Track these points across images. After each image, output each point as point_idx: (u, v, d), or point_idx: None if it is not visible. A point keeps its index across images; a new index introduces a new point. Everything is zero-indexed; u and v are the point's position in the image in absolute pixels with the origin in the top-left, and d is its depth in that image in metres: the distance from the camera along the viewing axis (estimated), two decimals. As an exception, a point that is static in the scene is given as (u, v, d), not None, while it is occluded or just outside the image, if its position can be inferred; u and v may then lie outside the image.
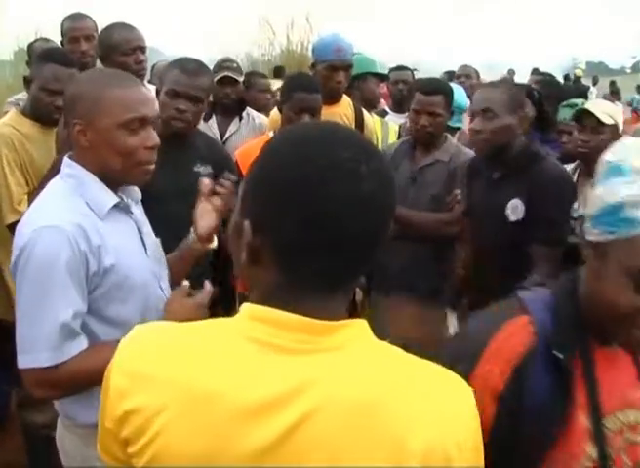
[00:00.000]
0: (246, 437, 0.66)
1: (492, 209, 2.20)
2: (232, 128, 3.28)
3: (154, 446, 0.68)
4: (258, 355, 0.69)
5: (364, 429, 0.66)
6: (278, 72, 6.31)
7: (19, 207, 2.13)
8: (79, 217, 1.31)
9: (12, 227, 2.12)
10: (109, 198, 1.38)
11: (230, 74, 3.28)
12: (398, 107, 3.91)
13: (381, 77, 3.71)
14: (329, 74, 2.78)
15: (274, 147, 0.73)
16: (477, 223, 2.33)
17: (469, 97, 4.03)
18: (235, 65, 3.47)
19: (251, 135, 3.25)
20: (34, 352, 1.26)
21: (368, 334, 0.74)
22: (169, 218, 2.02)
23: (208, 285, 1.45)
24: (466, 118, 3.17)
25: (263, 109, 3.66)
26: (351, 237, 0.69)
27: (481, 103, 2.18)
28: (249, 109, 3.38)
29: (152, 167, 1.41)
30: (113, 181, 1.41)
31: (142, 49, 2.75)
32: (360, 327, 0.73)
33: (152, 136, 1.38)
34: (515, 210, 2.14)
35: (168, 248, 1.59)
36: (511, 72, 12.49)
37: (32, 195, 2.11)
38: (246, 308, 0.72)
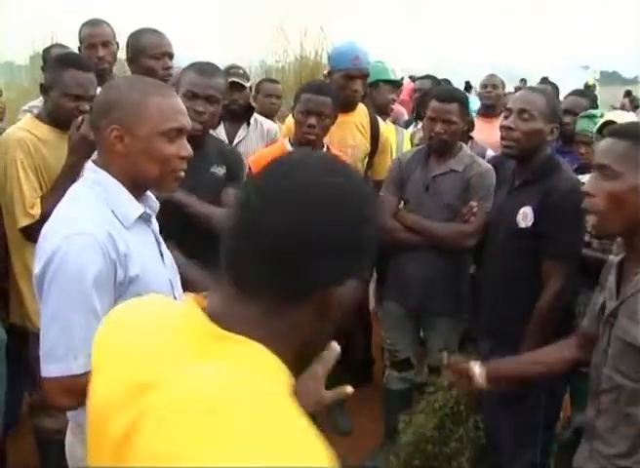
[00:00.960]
0: (111, 423, 0.71)
1: (505, 214, 2.23)
2: (241, 133, 3.27)
3: None
4: (179, 341, 0.72)
5: (200, 429, 0.62)
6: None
7: (31, 210, 2.13)
8: (107, 226, 1.30)
9: (24, 231, 2.13)
10: (135, 208, 1.38)
11: (237, 80, 3.26)
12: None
13: (395, 84, 3.70)
14: (345, 83, 2.77)
15: None
16: (492, 227, 2.35)
17: (493, 106, 4.05)
18: (241, 71, 3.44)
19: (260, 140, 3.25)
20: (65, 360, 1.24)
21: (259, 359, 0.70)
22: (186, 220, 2.03)
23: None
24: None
25: (270, 113, 3.63)
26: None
27: (520, 103, 2.18)
28: (256, 115, 3.37)
29: (183, 175, 1.43)
30: (141, 188, 1.41)
31: (170, 55, 2.78)
32: (255, 349, 0.70)
33: (186, 146, 1.40)
34: (525, 217, 2.14)
35: (185, 249, 1.59)
36: (523, 82, 12.45)
37: (44, 198, 2.12)
38: (197, 297, 0.77)
